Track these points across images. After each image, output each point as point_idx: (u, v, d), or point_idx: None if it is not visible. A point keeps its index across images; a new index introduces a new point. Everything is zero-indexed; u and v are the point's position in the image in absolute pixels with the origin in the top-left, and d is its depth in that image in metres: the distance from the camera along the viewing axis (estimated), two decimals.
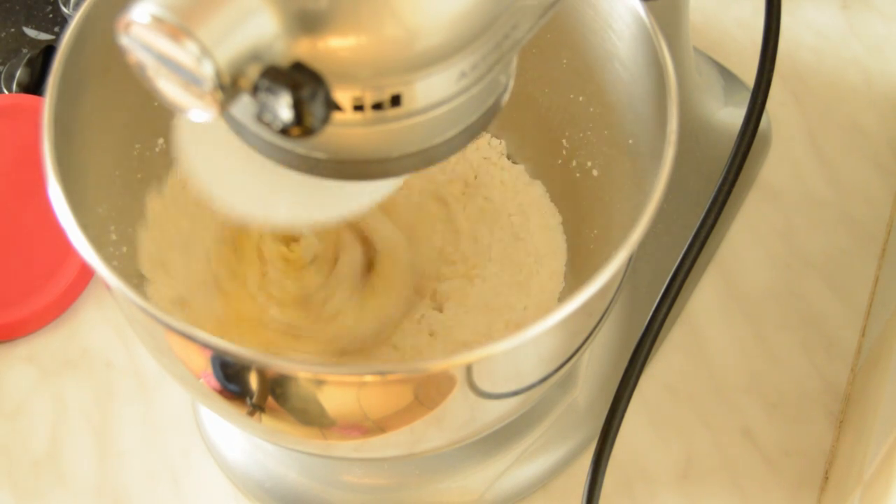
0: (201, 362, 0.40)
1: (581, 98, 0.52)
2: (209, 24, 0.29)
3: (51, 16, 0.72)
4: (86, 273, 0.61)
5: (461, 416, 0.42)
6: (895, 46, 0.71)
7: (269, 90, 0.30)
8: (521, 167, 0.57)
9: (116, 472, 0.57)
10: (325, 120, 0.32)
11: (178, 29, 0.29)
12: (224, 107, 0.31)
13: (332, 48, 0.31)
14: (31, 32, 0.71)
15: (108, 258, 0.41)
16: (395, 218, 0.55)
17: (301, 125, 0.31)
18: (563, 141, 0.54)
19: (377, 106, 0.33)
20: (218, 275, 0.52)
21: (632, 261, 0.45)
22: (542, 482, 0.56)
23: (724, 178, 0.50)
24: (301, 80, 0.31)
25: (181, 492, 0.56)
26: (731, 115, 0.66)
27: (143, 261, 0.50)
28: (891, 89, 0.69)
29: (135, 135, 0.50)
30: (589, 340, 0.45)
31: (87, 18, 0.44)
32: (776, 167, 0.66)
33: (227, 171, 0.39)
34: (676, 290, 0.49)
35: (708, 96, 0.65)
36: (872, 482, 0.48)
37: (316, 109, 0.31)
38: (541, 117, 0.55)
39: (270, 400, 0.40)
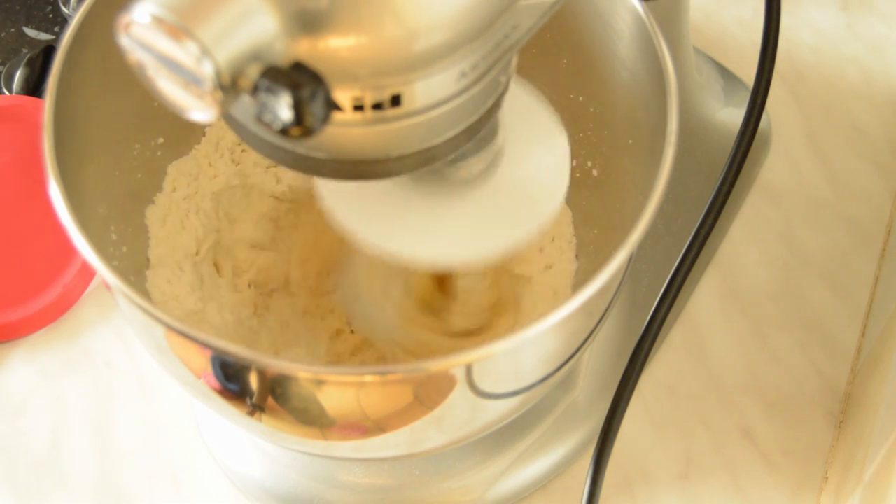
0: (201, 362, 0.40)
1: (581, 98, 0.52)
2: (209, 23, 0.29)
3: (51, 16, 0.72)
4: (87, 274, 0.61)
5: (461, 416, 0.42)
6: (895, 46, 0.71)
7: (269, 90, 0.30)
8: None
9: (116, 472, 0.57)
10: (325, 120, 0.32)
11: (178, 29, 0.29)
12: (224, 107, 0.31)
13: (333, 48, 0.31)
14: (31, 32, 0.71)
15: (108, 258, 0.41)
16: None
17: (301, 125, 0.31)
18: None
19: (377, 106, 0.33)
20: None
21: (632, 261, 0.45)
22: (542, 482, 0.56)
23: (724, 178, 0.50)
24: (301, 80, 0.31)
25: (181, 492, 0.56)
26: (731, 115, 0.66)
27: None
28: (891, 89, 0.69)
29: (135, 135, 0.51)
30: (589, 340, 0.44)
31: (87, 18, 0.44)
32: (776, 167, 0.66)
33: (368, 208, 0.41)
34: (676, 290, 0.49)
35: (708, 96, 0.65)
36: (872, 482, 0.48)
37: (316, 109, 0.31)
38: None
39: (270, 400, 0.40)
